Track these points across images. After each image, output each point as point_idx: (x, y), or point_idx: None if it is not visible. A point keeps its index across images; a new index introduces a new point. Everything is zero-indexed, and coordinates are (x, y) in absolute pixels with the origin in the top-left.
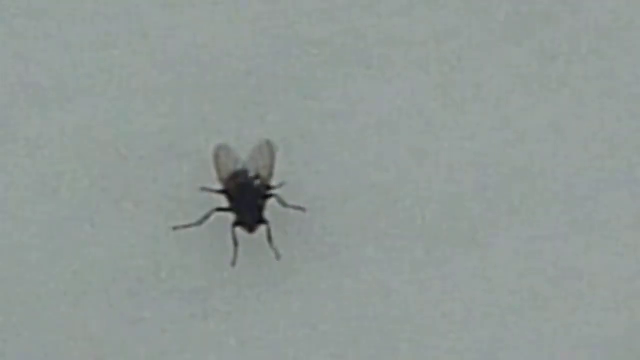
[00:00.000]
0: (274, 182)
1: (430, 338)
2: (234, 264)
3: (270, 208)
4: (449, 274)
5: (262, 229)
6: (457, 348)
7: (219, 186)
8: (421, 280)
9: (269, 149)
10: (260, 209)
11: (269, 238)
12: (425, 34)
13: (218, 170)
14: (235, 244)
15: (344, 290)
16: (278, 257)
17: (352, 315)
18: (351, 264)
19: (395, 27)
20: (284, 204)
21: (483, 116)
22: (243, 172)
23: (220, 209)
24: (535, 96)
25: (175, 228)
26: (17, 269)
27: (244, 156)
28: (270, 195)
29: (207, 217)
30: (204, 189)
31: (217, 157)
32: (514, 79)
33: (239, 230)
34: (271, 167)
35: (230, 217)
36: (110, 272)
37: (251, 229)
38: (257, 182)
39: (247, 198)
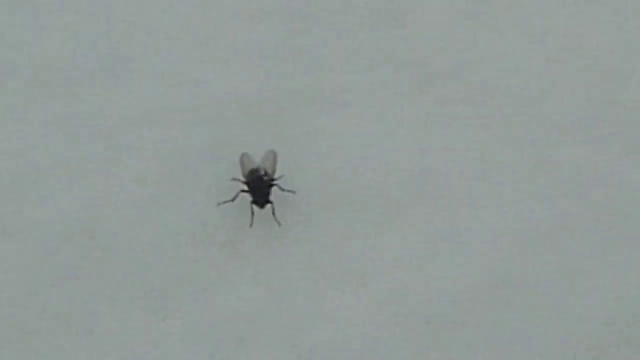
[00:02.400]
0: (276, 176)
1: (429, 302)
2: (251, 225)
3: (274, 193)
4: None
5: (268, 206)
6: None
7: (242, 178)
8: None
9: (273, 155)
10: (268, 194)
11: (273, 212)
12: None
13: (242, 168)
14: (252, 213)
15: (335, 252)
16: (279, 224)
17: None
18: (332, 234)
19: None
20: (281, 189)
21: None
22: (257, 170)
23: (243, 191)
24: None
25: (219, 203)
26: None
27: (258, 159)
28: (273, 184)
29: (236, 196)
30: (233, 180)
31: (241, 160)
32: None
33: (254, 206)
34: (274, 166)
35: (249, 197)
36: (173, 229)
37: (262, 206)
38: (266, 176)
39: (259, 187)
